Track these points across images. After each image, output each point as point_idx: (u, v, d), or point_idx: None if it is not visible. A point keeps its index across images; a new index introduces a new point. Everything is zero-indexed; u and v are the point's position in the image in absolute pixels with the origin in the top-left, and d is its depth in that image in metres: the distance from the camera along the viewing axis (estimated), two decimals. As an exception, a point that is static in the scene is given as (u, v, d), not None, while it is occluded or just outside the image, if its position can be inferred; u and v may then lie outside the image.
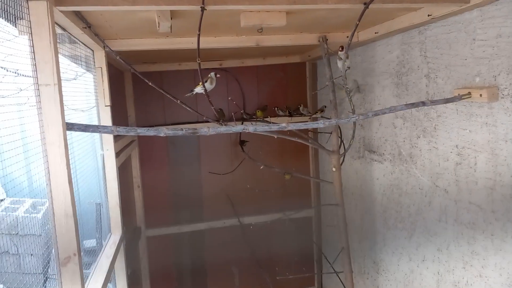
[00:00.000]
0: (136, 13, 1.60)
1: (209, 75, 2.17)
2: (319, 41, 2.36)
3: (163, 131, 1.26)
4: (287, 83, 3.60)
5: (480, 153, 1.69)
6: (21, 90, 1.48)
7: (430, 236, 2.07)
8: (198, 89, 2.20)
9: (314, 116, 3.30)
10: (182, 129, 1.30)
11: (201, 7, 1.31)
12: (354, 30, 1.64)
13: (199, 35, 1.47)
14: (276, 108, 3.41)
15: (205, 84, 1.78)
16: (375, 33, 2.23)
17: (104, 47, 2.03)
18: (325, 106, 3.36)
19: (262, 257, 3.66)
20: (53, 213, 1.15)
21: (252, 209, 3.62)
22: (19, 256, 2.99)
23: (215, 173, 3.50)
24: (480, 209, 1.70)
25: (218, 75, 2.14)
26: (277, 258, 3.72)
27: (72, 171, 1.21)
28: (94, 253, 2.07)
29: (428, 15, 1.76)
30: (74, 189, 1.21)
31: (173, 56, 2.91)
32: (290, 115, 3.44)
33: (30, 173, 1.32)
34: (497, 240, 1.62)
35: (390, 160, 2.43)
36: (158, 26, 1.61)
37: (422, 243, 2.15)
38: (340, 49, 2.18)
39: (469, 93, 1.63)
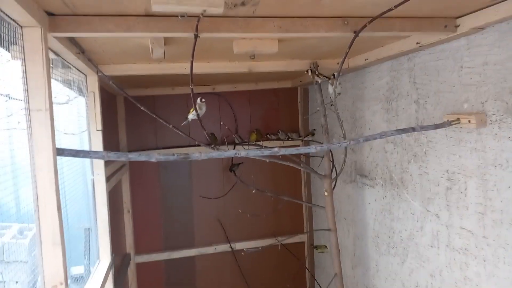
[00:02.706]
0: (130, 39, 1.61)
1: (197, 103, 2.18)
2: (310, 69, 2.39)
3: (155, 157, 1.26)
4: (279, 107, 3.62)
5: (470, 178, 1.69)
6: (12, 114, 1.47)
7: (422, 262, 2.05)
8: (191, 116, 2.21)
9: (305, 139, 3.31)
10: (174, 154, 1.30)
11: (194, 34, 1.33)
12: (345, 57, 1.67)
13: (192, 61, 1.48)
14: (267, 134, 3.42)
15: (196, 111, 1.78)
16: (365, 60, 2.26)
17: (97, 72, 2.04)
18: (315, 130, 3.39)
19: (255, 283, 3.61)
20: (40, 240, 1.12)
21: (244, 234, 3.58)
22: (4, 283, 2.89)
23: (207, 197, 3.48)
24: (472, 235, 1.70)
25: (203, 100, 2.15)
26: (270, 284, 3.66)
27: (61, 196, 1.19)
28: (81, 280, 2.01)
29: (417, 43, 1.80)
30: (62, 214, 1.18)
31: (166, 80, 2.93)
32: (280, 139, 3.45)
33: (19, 199, 1.29)
34: (490, 266, 1.62)
35: (382, 185, 2.43)
36: (152, 53, 1.62)
37: (414, 269, 2.13)
38: (332, 76, 2.22)
39: (458, 119, 1.65)
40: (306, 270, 3.75)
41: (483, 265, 1.65)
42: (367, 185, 2.61)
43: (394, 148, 2.26)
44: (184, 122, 2.34)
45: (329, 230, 2.48)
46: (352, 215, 2.87)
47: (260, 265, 3.65)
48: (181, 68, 2.20)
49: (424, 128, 1.63)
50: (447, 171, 1.84)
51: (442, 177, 1.87)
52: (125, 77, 2.38)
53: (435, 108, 1.90)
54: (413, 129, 1.59)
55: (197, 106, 2.12)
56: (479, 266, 1.67)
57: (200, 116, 1.84)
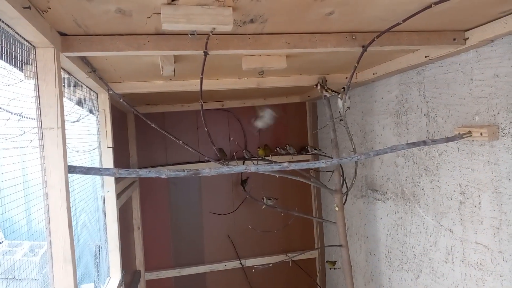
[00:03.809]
0: (141, 58, 1.64)
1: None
2: (318, 83, 2.40)
3: (165, 173, 1.27)
4: (287, 122, 3.63)
5: (483, 191, 1.67)
6: (24, 132, 1.49)
7: (437, 278, 2.02)
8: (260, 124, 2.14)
9: (314, 153, 3.31)
10: (184, 170, 1.31)
11: (204, 52, 1.35)
12: (353, 72, 1.67)
13: (201, 78, 1.50)
14: (277, 148, 3.42)
15: (259, 123, 1.77)
16: (374, 74, 2.27)
17: (108, 90, 2.07)
18: (308, 147, 3.43)
19: (265, 300, 3.56)
20: (52, 258, 1.12)
21: (254, 250, 3.56)
22: (15, 301, 2.89)
23: (216, 213, 3.47)
24: (488, 249, 1.67)
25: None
26: (281, 301, 3.61)
27: (72, 214, 1.19)
28: (92, 298, 2.00)
29: (426, 57, 1.80)
30: (73, 232, 1.18)
31: (176, 97, 2.96)
32: (290, 154, 3.43)
33: (30, 217, 1.30)
34: (506, 282, 1.57)
35: (393, 199, 2.40)
36: (162, 70, 1.65)
37: (429, 285, 2.09)
38: (342, 90, 2.22)
39: (470, 132, 1.64)
40: (318, 287, 3.69)
41: (500, 281, 1.61)
42: (379, 199, 2.59)
43: (405, 162, 2.24)
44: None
45: (340, 246, 2.45)
46: (364, 230, 2.84)
47: (271, 282, 3.60)
48: (191, 85, 2.22)
49: (435, 141, 1.61)
50: (459, 184, 1.81)
51: (455, 191, 1.85)
52: (135, 95, 2.40)
53: (446, 121, 1.88)
54: (424, 143, 1.58)
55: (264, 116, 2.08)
56: (496, 281, 1.63)
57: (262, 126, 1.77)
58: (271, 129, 3.59)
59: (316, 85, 2.40)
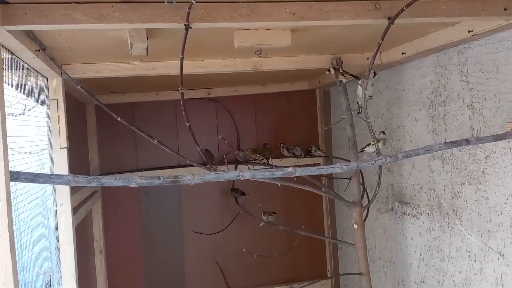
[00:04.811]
0: (103, 33, 1.62)
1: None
2: (332, 66, 2.38)
3: (135, 181, 1.25)
4: (292, 116, 3.63)
5: (543, 204, 1.67)
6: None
7: (484, 314, 2.02)
8: (370, 149, 2.22)
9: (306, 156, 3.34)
10: (159, 178, 1.29)
11: (185, 25, 1.34)
12: (377, 51, 1.65)
13: (182, 58, 1.49)
14: (282, 145, 3.40)
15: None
16: (403, 53, 2.28)
17: (61, 73, 2.05)
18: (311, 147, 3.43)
19: None
20: (-11, 290, 1.11)
21: (250, 279, 3.56)
22: None
23: (201, 232, 3.45)
24: (548, 278, 1.67)
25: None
26: None
27: (15, 234, 1.18)
28: None
29: (469, 31, 1.80)
30: (17, 257, 1.16)
31: (149, 84, 2.95)
32: (296, 156, 3.44)
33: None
34: None
35: (428, 214, 2.40)
36: (131, 48, 1.63)
37: (473, 323, 2.10)
38: (371, 73, 2.19)
39: (525, 128, 1.64)
40: (331, 326, 3.70)
41: None
42: (409, 214, 2.59)
43: (443, 167, 2.24)
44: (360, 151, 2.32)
45: (360, 274, 2.45)
46: (390, 254, 2.83)
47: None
48: (168, 67, 2.22)
49: (481, 140, 1.61)
50: (512, 195, 1.81)
51: (506, 204, 1.84)
52: (97, 80, 2.39)
53: (495, 114, 1.88)
54: (467, 142, 1.58)
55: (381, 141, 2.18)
56: (559, 319, 1.63)
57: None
58: (271, 125, 3.59)
59: (329, 68, 2.38)
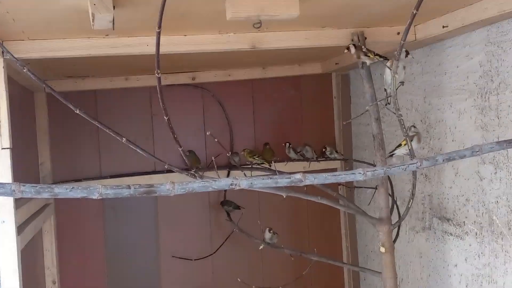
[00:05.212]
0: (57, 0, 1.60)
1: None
2: (352, 43, 2.35)
3: (98, 191, 1.21)
4: (301, 107, 3.64)
5: None
6: None
7: None
8: (402, 151, 2.30)
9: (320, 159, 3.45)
10: (129, 187, 1.25)
11: (162, -14, 1.33)
12: (410, 23, 1.66)
13: (159, 33, 1.50)
14: (287, 145, 3.39)
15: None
16: (444, 27, 2.27)
17: (2, 53, 2.00)
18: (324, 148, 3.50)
19: None
20: None
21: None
22: None
23: (184, 258, 3.42)
24: None
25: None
26: None
27: None
28: None
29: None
30: None
31: (116, 66, 2.92)
32: (306, 160, 3.47)
33: None
34: None
35: (476, 234, 2.40)
36: (93, 20, 1.59)
37: None
38: (405, 52, 2.25)
39: None
40: None
41: None
42: (451, 234, 2.61)
43: (495, 173, 2.24)
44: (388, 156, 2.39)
45: (389, 310, 2.44)
46: (427, 286, 2.86)
47: None
48: (141, 44, 2.20)
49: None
50: None
51: None
52: (49, 61, 2.33)
53: None
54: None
55: (415, 137, 2.28)
56: None
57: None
58: (274, 119, 3.57)
59: (348, 46, 2.36)
